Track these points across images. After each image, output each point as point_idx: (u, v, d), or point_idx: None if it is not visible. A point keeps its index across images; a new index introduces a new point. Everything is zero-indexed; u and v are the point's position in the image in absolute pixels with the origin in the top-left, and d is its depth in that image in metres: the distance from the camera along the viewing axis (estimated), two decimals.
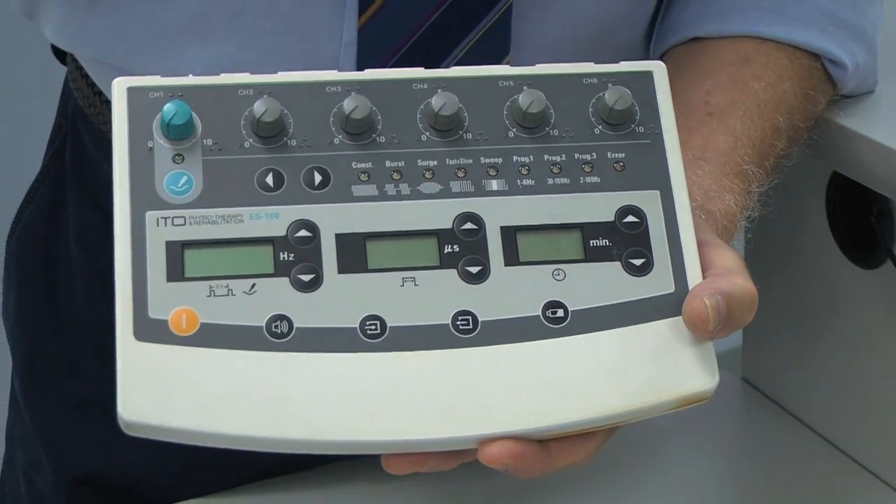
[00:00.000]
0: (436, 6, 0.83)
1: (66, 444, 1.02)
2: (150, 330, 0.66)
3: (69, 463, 1.02)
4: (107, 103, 0.95)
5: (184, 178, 0.69)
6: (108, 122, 0.95)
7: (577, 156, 0.72)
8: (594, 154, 0.72)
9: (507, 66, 0.73)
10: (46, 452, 1.03)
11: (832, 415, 1.03)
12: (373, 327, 0.67)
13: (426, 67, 0.72)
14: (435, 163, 0.71)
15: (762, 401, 1.08)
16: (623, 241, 0.70)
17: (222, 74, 0.71)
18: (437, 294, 0.68)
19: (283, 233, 0.68)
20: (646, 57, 0.95)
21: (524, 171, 0.71)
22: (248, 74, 0.71)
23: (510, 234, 0.70)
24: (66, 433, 1.02)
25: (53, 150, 1.03)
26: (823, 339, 1.04)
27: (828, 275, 1.01)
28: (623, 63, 0.74)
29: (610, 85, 0.73)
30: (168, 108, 0.69)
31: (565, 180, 0.71)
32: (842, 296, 1.01)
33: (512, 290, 0.69)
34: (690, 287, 0.70)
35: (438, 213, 0.70)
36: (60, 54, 1.01)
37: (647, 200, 0.71)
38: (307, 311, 0.67)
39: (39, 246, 1.02)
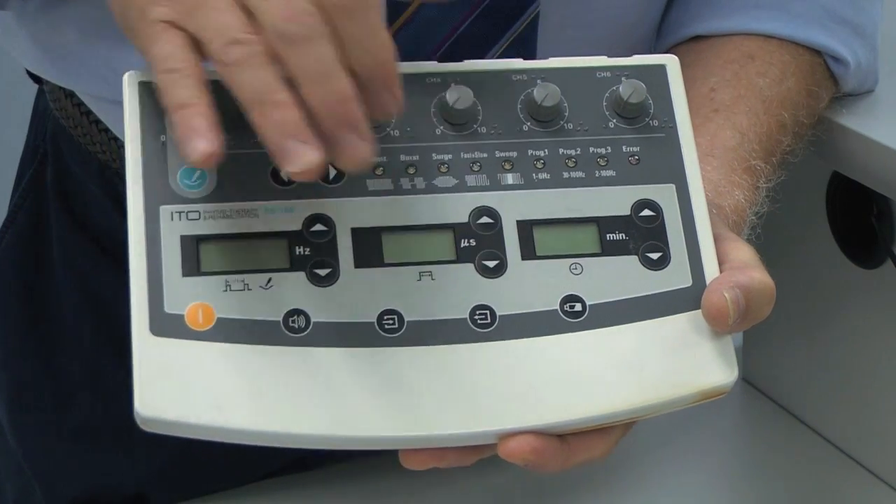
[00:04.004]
0: (465, 17, 0.83)
1: (59, 472, 1.00)
2: (167, 325, 0.65)
3: (64, 491, 1.00)
4: (96, 123, 0.94)
5: (197, 172, 0.68)
6: (98, 143, 0.94)
7: (591, 149, 0.71)
8: (609, 148, 0.71)
9: (521, 60, 0.72)
10: (39, 483, 1.01)
11: (832, 415, 1.03)
12: (390, 322, 0.67)
13: None
14: (450, 156, 0.70)
15: (762, 401, 1.08)
16: (639, 235, 0.70)
17: None
18: (455, 288, 0.68)
19: (298, 227, 0.68)
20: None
21: (539, 165, 0.71)
22: None
23: (526, 228, 0.69)
24: (59, 462, 1.00)
25: (32, 173, 1.01)
26: (823, 339, 1.03)
27: (828, 275, 1.01)
28: (636, 56, 0.74)
29: (624, 78, 0.72)
30: None
31: (580, 174, 0.71)
32: (842, 296, 1.01)
33: (529, 284, 0.68)
34: (708, 281, 0.69)
35: (454, 207, 0.69)
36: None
37: (663, 194, 0.71)
38: (324, 305, 0.66)
39: (22, 271, 1.01)
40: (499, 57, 0.84)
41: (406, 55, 0.82)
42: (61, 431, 1.00)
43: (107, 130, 0.93)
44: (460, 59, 0.82)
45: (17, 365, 1.01)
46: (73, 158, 0.97)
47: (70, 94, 0.95)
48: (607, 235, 0.70)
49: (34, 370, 1.00)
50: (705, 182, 0.80)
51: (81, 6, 0.87)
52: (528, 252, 0.69)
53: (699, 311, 0.69)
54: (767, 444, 1.04)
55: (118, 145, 0.93)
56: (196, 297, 0.66)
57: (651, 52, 0.94)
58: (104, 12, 0.85)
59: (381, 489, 0.95)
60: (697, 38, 0.92)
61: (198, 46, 0.64)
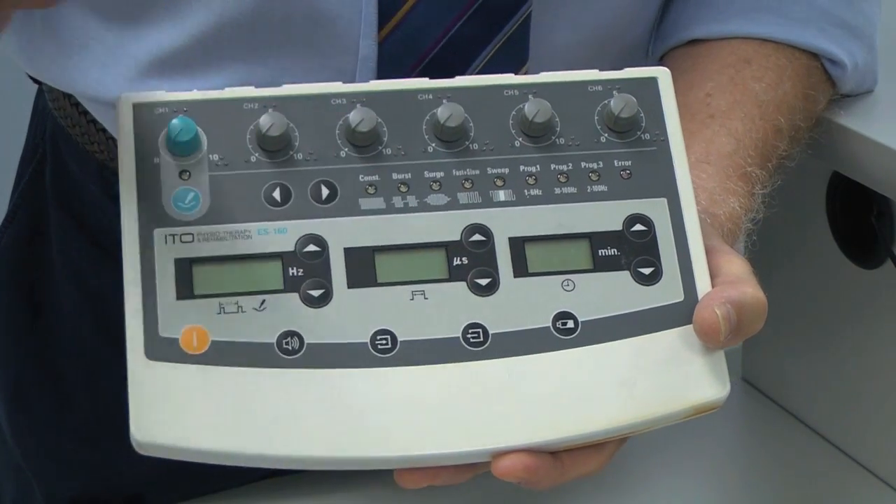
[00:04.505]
0: (456, 17, 0.82)
1: (58, 472, 1.01)
2: (162, 349, 0.66)
3: (63, 490, 1.01)
4: (94, 122, 0.94)
5: (191, 195, 0.68)
6: (96, 142, 0.94)
7: (583, 164, 0.71)
8: (601, 162, 0.71)
9: (512, 76, 0.72)
10: (38, 483, 1.01)
11: (832, 415, 1.03)
12: (383, 342, 0.67)
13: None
14: (442, 174, 0.70)
15: (762, 401, 1.08)
16: (631, 250, 0.70)
17: (227, 88, 0.70)
18: (447, 307, 0.68)
19: (291, 248, 0.68)
20: (645, 58, 0.94)
21: (531, 181, 0.71)
22: (252, 88, 0.70)
23: (519, 245, 0.70)
24: (58, 462, 1.00)
25: (31, 172, 1.01)
26: (823, 339, 1.03)
27: (828, 275, 1.01)
28: (627, 69, 0.73)
29: (615, 92, 0.72)
30: (174, 124, 0.68)
31: (572, 189, 0.71)
32: (842, 296, 1.01)
33: (522, 302, 0.69)
34: (700, 296, 0.70)
35: (446, 225, 0.69)
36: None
37: (655, 208, 0.71)
38: (318, 326, 0.67)
39: (21, 271, 1.01)
40: (491, 58, 0.85)
41: (398, 57, 0.83)
42: (60, 431, 1.00)
43: (104, 130, 0.94)
44: (449, 64, 0.83)
45: (16, 364, 1.02)
46: (71, 158, 0.98)
47: (68, 95, 0.95)
48: (599, 251, 0.70)
49: (33, 370, 1.00)
50: (701, 190, 0.80)
51: (76, 9, 0.87)
52: (521, 269, 0.69)
53: (691, 325, 0.69)
54: (767, 443, 1.04)
55: (116, 144, 0.93)
56: (190, 321, 0.66)
57: (645, 55, 0.94)
58: (99, 15, 0.85)
59: (379, 488, 0.96)
60: (694, 42, 0.92)
61: None
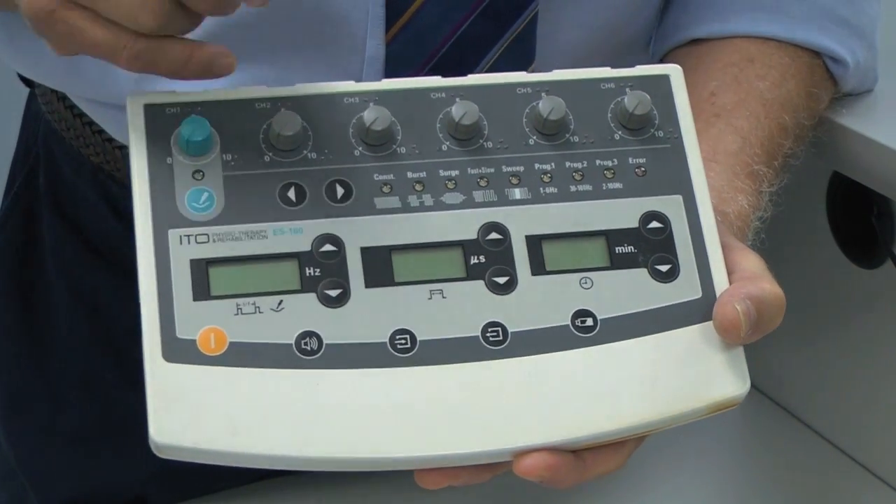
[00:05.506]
0: (464, 17, 0.82)
1: (54, 476, 1.00)
2: (179, 350, 0.65)
3: (59, 494, 1.00)
4: (89, 125, 0.93)
5: (205, 195, 0.67)
6: (91, 145, 0.93)
7: (598, 162, 0.71)
8: (615, 160, 0.71)
9: (525, 73, 0.72)
10: (34, 487, 1.00)
11: (833, 415, 1.03)
12: (402, 341, 0.66)
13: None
14: (457, 172, 0.70)
15: (763, 401, 1.08)
16: (648, 248, 0.70)
17: (239, 88, 0.70)
18: (466, 306, 0.68)
19: (307, 247, 0.67)
20: (646, 56, 0.94)
21: (546, 179, 0.70)
22: (265, 87, 0.70)
23: (535, 243, 0.69)
24: (54, 466, 1.00)
25: (24, 175, 1.00)
26: (824, 339, 1.03)
27: (828, 275, 1.01)
28: (639, 67, 0.73)
29: (628, 90, 0.72)
30: (187, 124, 0.67)
31: (588, 187, 0.71)
32: (842, 296, 1.01)
33: (540, 300, 0.68)
34: (718, 292, 0.69)
35: (463, 224, 0.69)
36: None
37: (671, 205, 0.71)
38: (336, 326, 0.66)
39: (14, 275, 1.00)
40: (498, 58, 0.84)
41: (405, 57, 0.83)
42: (55, 435, 0.99)
43: (101, 132, 0.93)
44: (456, 64, 0.82)
45: (10, 368, 1.01)
46: (65, 161, 0.97)
47: (62, 97, 0.94)
48: (616, 248, 0.70)
49: (28, 374, 1.00)
50: (709, 188, 0.80)
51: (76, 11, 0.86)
52: (538, 267, 0.69)
53: (709, 322, 0.69)
54: (767, 444, 1.04)
55: (112, 146, 0.92)
56: (208, 322, 0.65)
57: (642, 49, 0.94)
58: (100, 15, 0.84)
59: (380, 487, 0.95)
60: (696, 42, 0.92)
61: None
